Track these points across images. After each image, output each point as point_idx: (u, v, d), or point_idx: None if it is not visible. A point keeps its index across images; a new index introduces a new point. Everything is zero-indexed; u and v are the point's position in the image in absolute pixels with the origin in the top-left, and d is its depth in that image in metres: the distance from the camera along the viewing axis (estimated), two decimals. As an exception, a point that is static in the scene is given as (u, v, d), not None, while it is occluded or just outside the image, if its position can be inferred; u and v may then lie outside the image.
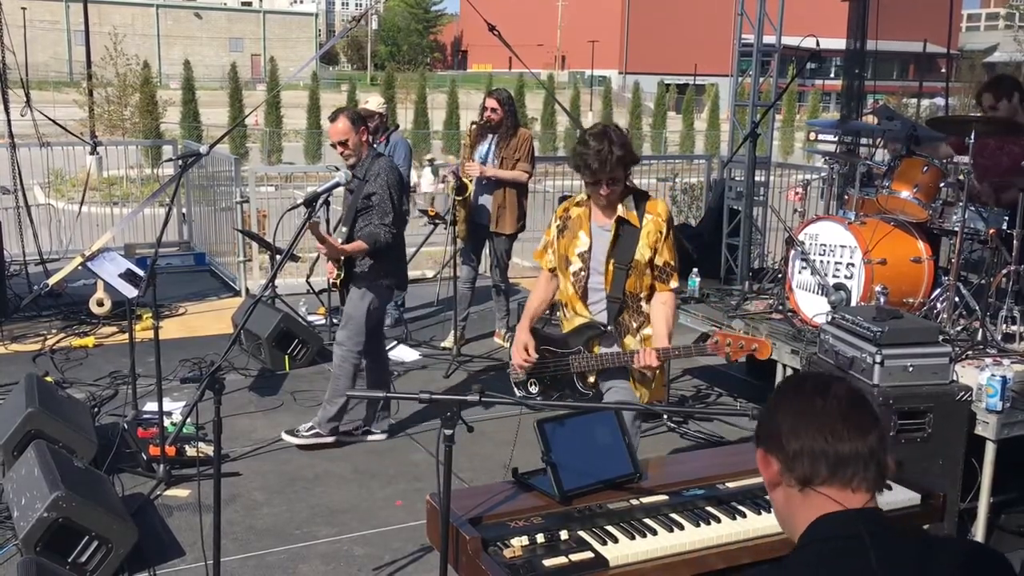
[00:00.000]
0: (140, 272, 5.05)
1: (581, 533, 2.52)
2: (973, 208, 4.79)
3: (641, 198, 3.55)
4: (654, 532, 2.55)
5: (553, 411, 3.03)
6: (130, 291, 4.95)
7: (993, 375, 3.89)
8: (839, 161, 5.98)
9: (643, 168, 10.70)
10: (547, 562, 2.37)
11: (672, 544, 2.52)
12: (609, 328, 3.55)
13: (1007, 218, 4.76)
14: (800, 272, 5.33)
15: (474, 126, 6.67)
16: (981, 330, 4.58)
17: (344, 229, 4.98)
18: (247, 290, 8.18)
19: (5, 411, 4.71)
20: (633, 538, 2.52)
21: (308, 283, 7.44)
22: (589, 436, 2.81)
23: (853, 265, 4.95)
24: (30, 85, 8.53)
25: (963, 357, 4.35)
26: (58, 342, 6.67)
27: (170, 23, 59.41)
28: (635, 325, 3.57)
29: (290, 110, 27.17)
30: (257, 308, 4.11)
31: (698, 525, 2.60)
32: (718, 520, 2.64)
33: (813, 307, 5.15)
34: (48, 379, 5.20)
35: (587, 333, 3.57)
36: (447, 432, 2.50)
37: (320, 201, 4.40)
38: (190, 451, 4.74)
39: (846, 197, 5.62)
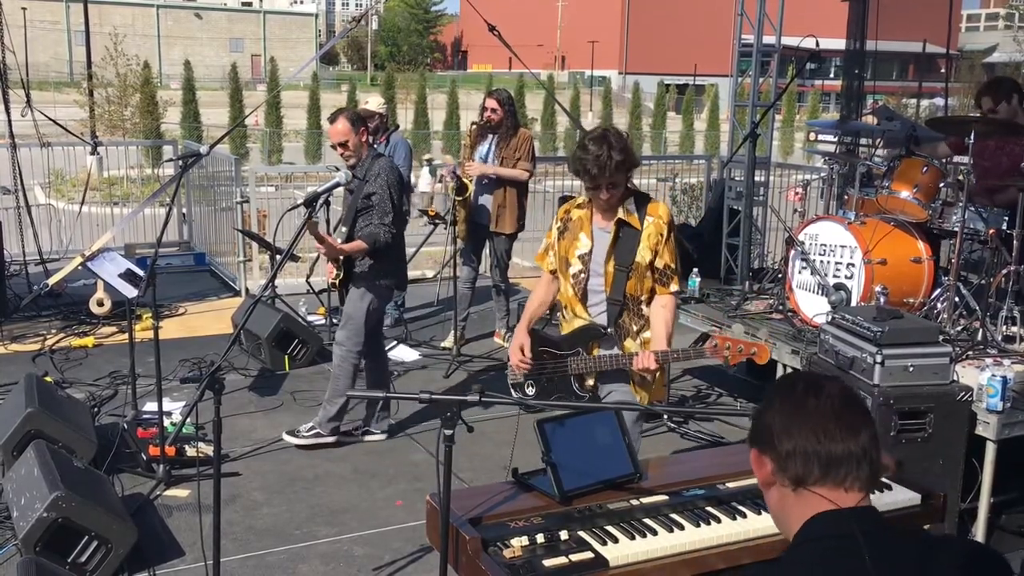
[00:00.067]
0: (140, 272, 5.04)
1: (581, 533, 2.52)
2: (973, 208, 4.79)
3: (642, 200, 3.55)
4: (654, 532, 2.55)
5: (553, 411, 3.02)
6: (130, 291, 4.95)
7: (993, 375, 3.89)
8: (839, 161, 5.98)
9: (643, 168, 10.68)
10: (547, 562, 2.37)
11: (672, 544, 2.52)
12: (609, 331, 3.54)
13: (1007, 218, 4.76)
14: (800, 272, 5.33)
15: (474, 126, 6.67)
16: (981, 330, 4.58)
17: (344, 229, 4.98)
18: (247, 290, 8.18)
19: (5, 411, 4.71)
20: (633, 538, 2.52)
21: (308, 283, 7.44)
22: (589, 436, 2.81)
23: (853, 265, 4.95)
24: (30, 85, 8.54)
25: (963, 357, 4.35)
26: (58, 342, 6.67)
27: (170, 23, 59.41)
28: (635, 328, 3.56)
29: (290, 110, 27.18)
30: (257, 308, 4.12)
31: (698, 525, 2.60)
32: (718, 520, 2.63)
33: (813, 307, 5.15)
34: (48, 379, 5.20)
35: (587, 335, 3.56)
36: (447, 432, 2.50)
37: (320, 201, 4.40)
38: (190, 451, 4.73)
39: (846, 197, 5.62)
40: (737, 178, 6.84)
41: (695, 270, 6.03)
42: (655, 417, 5.40)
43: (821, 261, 5.15)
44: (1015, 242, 4.59)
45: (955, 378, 4.04)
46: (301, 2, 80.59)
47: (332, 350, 5.25)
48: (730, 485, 2.83)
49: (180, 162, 5.37)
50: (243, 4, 72.41)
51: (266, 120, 25.98)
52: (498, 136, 6.55)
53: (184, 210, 10.14)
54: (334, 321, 6.38)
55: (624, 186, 3.46)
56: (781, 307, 5.48)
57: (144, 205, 8.72)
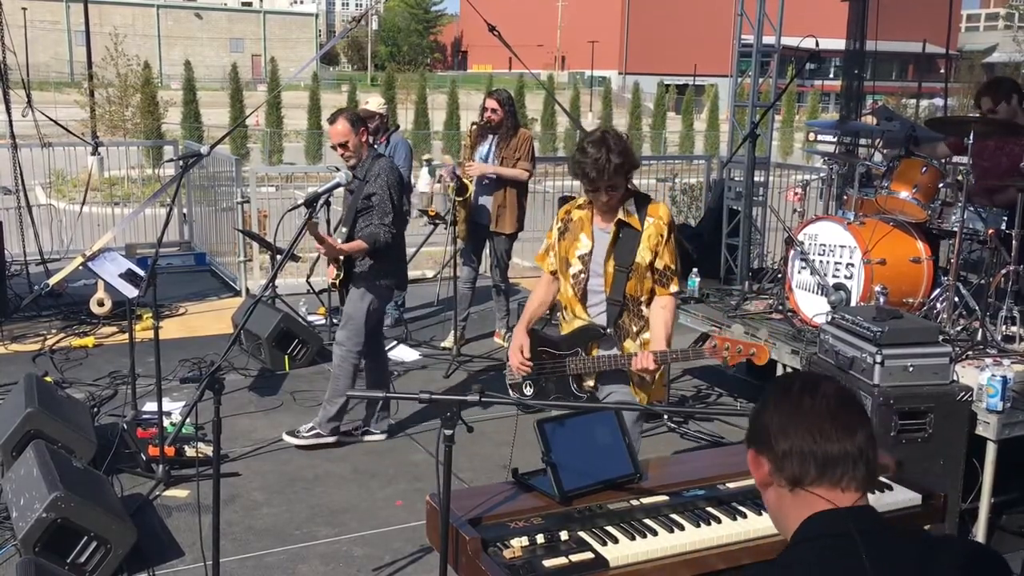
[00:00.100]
0: (140, 272, 5.05)
1: (581, 534, 2.52)
2: (972, 208, 4.79)
3: (643, 201, 3.54)
4: (654, 533, 2.55)
5: (553, 411, 3.02)
6: (130, 291, 4.95)
7: (993, 375, 3.89)
8: (838, 161, 5.98)
9: (643, 168, 10.69)
10: (547, 563, 2.37)
11: (672, 545, 2.52)
12: (608, 331, 3.54)
13: (1006, 218, 4.76)
14: (800, 272, 5.33)
15: (474, 127, 6.67)
16: (981, 330, 4.58)
17: (344, 229, 4.98)
18: (247, 290, 8.19)
19: (4, 411, 4.71)
20: (633, 539, 2.51)
21: (308, 283, 7.45)
22: (589, 436, 2.81)
23: (853, 265, 4.95)
24: (31, 86, 8.54)
25: (963, 357, 4.35)
26: (58, 342, 6.67)
27: (170, 23, 59.42)
28: (635, 329, 3.56)
29: (291, 111, 27.19)
30: (257, 308, 4.11)
31: (698, 526, 2.60)
32: (719, 521, 2.63)
33: (813, 307, 5.15)
34: (48, 379, 5.20)
35: (586, 335, 3.56)
36: (447, 432, 2.50)
37: (320, 201, 4.40)
38: (189, 451, 4.73)
39: (845, 197, 5.62)
40: (737, 178, 6.84)
41: (695, 270, 6.03)
42: (655, 417, 5.40)
43: (821, 261, 5.15)
44: (1014, 242, 4.59)
45: (955, 378, 4.04)
46: (301, 2, 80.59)
47: (332, 350, 5.25)
48: (730, 485, 2.82)
49: (181, 162, 5.37)
50: (243, 4, 72.42)
51: (267, 120, 26.00)
52: (498, 136, 6.55)
53: (185, 210, 10.15)
54: (334, 321, 6.38)
55: (623, 188, 3.46)
56: (781, 307, 5.48)
57: (145, 205, 8.72)
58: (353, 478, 4.80)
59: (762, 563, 2.32)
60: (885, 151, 5.68)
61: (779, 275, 5.74)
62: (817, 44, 5.92)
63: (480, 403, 2.51)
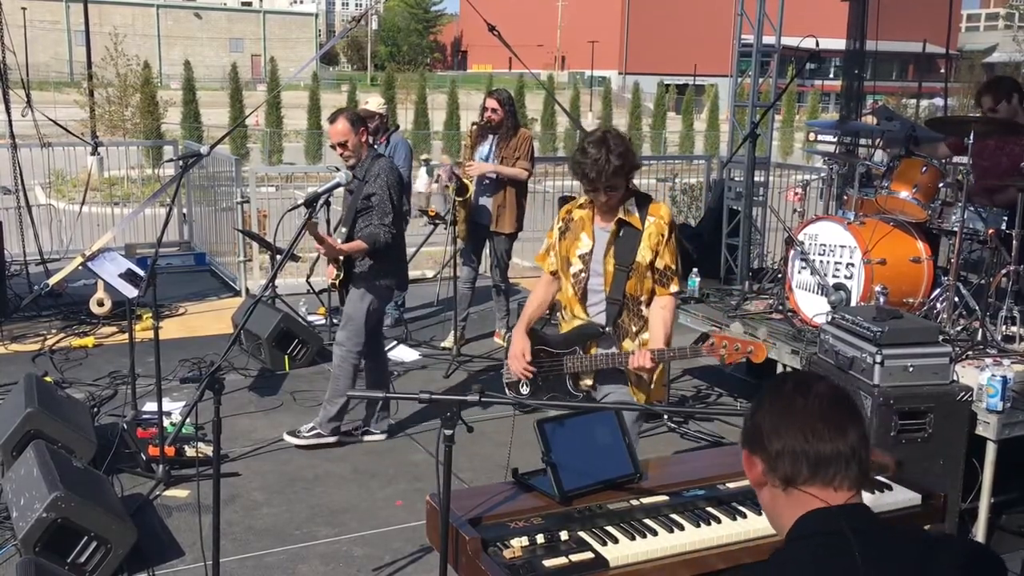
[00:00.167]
0: (140, 272, 5.04)
1: (581, 534, 2.52)
2: (972, 208, 4.79)
3: (643, 201, 3.54)
4: (654, 532, 2.55)
5: (553, 411, 3.02)
6: (130, 291, 4.95)
7: (993, 375, 3.89)
8: (838, 161, 5.98)
9: (643, 168, 10.74)
10: (547, 563, 2.36)
11: (672, 544, 2.52)
12: (608, 330, 3.54)
13: (1006, 218, 4.76)
14: (800, 272, 5.33)
15: (475, 127, 6.68)
16: (981, 330, 4.58)
17: (344, 230, 4.98)
18: (247, 290, 8.18)
19: (5, 411, 4.71)
20: (633, 539, 2.51)
21: (308, 283, 7.44)
22: (589, 436, 2.81)
23: (853, 265, 4.95)
24: (31, 85, 8.54)
25: (963, 357, 4.35)
26: (58, 342, 6.67)
27: (170, 23, 59.42)
28: (634, 329, 3.55)
29: (290, 110, 27.19)
30: (257, 308, 4.11)
31: (698, 526, 2.60)
32: (718, 520, 2.63)
33: (813, 307, 5.15)
34: (48, 379, 5.20)
35: (585, 334, 3.56)
36: (447, 432, 2.50)
37: (320, 202, 4.40)
38: (189, 451, 4.73)
39: (845, 197, 5.62)
40: (737, 178, 6.84)
41: (695, 270, 6.03)
42: (655, 417, 5.40)
43: (821, 261, 5.15)
44: (1014, 242, 4.59)
45: (955, 378, 4.04)
46: (301, 2, 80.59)
47: (332, 350, 5.25)
48: (730, 485, 2.82)
49: (180, 162, 5.38)
50: (243, 4, 72.41)
51: (266, 120, 26.00)
52: (498, 136, 6.55)
53: (184, 210, 10.15)
54: (334, 321, 6.38)
55: (623, 189, 3.45)
56: (781, 307, 5.48)
57: (144, 205, 8.72)
58: (353, 478, 4.80)
59: (756, 563, 2.33)
60: (887, 151, 5.68)
61: (779, 275, 5.74)
62: (817, 44, 5.92)
63: (480, 403, 2.51)
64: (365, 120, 5.34)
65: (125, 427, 5.01)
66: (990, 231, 4.71)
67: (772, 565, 1.58)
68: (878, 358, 3.91)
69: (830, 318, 4.46)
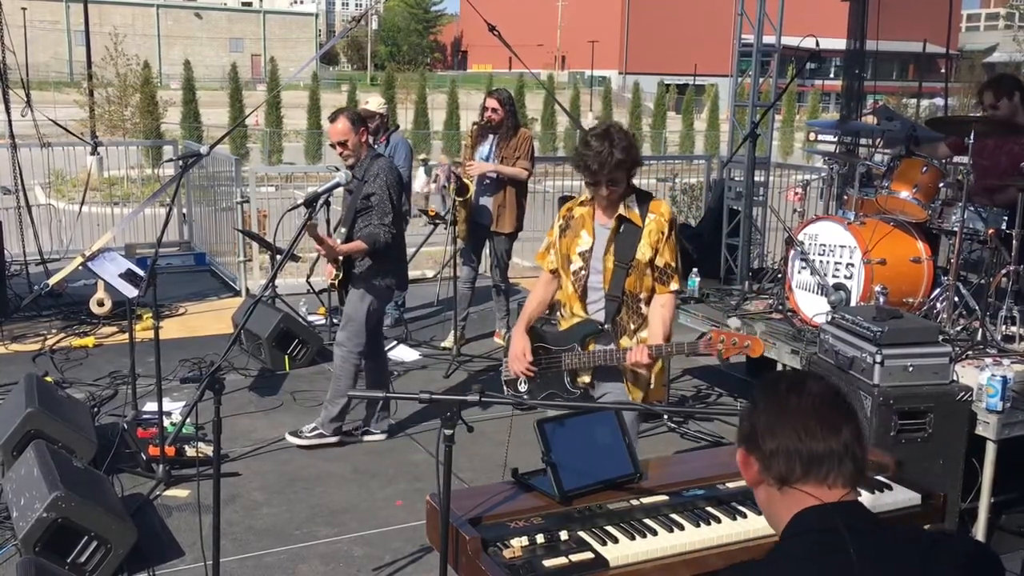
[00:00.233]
0: (140, 272, 5.04)
1: (581, 533, 2.52)
2: (972, 208, 4.79)
3: (644, 198, 3.54)
4: (654, 532, 2.55)
5: (552, 411, 3.02)
6: (130, 291, 4.95)
7: (993, 375, 3.89)
8: (838, 161, 5.98)
9: (643, 168, 10.76)
10: (547, 562, 2.36)
11: (672, 544, 2.52)
12: (606, 327, 3.54)
13: (1006, 218, 4.76)
14: (800, 272, 5.32)
15: (475, 126, 6.68)
16: (981, 330, 4.58)
17: (343, 230, 4.98)
18: (247, 290, 8.19)
19: (5, 411, 4.71)
20: (633, 538, 2.51)
21: (308, 283, 7.44)
22: (589, 436, 2.81)
23: (853, 265, 4.95)
24: (30, 85, 8.54)
25: (963, 357, 4.35)
26: (58, 342, 6.67)
27: (170, 23, 59.42)
28: (633, 327, 3.55)
29: (290, 110, 27.19)
30: (257, 308, 4.11)
31: (698, 525, 2.60)
32: (718, 520, 2.63)
33: (813, 307, 5.15)
34: (48, 379, 5.20)
35: (583, 331, 3.56)
36: (447, 432, 2.50)
37: (320, 201, 4.40)
38: (190, 451, 4.73)
39: (845, 197, 5.62)
40: (737, 178, 6.84)
41: (695, 270, 6.02)
42: (655, 417, 5.40)
43: (821, 261, 5.15)
44: (1014, 242, 4.58)
45: (955, 378, 4.04)
46: (301, 2, 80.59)
47: (332, 350, 5.25)
48: (730, 485, 2.82)
49: (180, 162, 5.38)
50: (243, 4, 72.41)
51: (266, 120, 25.99)
52: (498, 136, 6.55)
53: (184, 210, 10.15)
54: (334, 321, 6.38)
55: (624, 184, 3.45)
56: (781, 307, 5.48)
57: (144, 205, 8.72)
58: (353, 478, 4.80)
59: (752, 560, 2.34)
60: (888, 151, 5.68)
61: (779, 275, 5.74)
62: (817, 44, 5.92)
63: (480, 403, 2.51)
64: (365, 120, 5.34)
65: (125, 427, 5.01)
66: (990, 231, 4.71)
67: (767, 562, 1.59)
68: (878, 358, 3.91)
69: (830, 318, 4.46)
